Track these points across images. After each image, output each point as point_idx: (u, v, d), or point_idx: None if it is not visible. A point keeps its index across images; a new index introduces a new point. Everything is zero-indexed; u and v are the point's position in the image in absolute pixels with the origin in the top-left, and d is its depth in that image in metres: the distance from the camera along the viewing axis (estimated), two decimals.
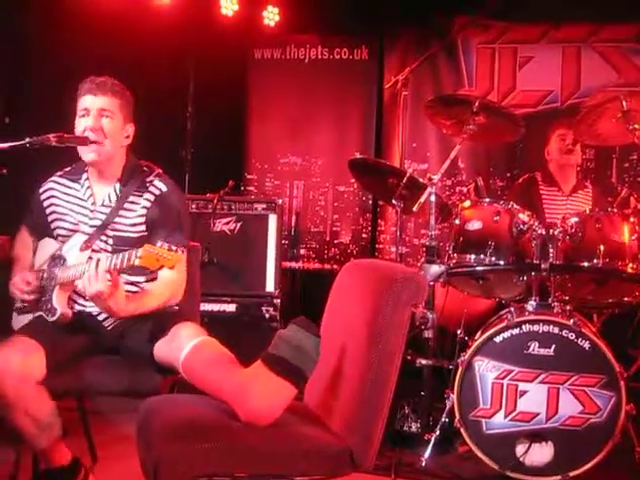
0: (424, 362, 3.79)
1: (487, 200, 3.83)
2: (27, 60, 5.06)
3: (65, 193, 3.11)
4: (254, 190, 6.44)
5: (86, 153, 2.96)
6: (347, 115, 6.34)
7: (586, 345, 3.32)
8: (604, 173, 5.75)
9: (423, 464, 3.50)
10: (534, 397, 3.35)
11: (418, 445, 3.64)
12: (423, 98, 4.59)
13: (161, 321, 2.86)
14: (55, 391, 2.66)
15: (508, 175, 5.96)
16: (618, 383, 3.28)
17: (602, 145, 4.88)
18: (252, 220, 5.00)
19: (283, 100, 6.42)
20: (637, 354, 4.10)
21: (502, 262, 3.63)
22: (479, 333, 3.57)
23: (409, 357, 3.78)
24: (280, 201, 5.09)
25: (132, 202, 3.01)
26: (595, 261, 3.52)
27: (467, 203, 3.84)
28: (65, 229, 3.05)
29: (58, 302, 2.87)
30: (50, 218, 3.11)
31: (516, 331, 3.39)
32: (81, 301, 2.98)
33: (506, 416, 3.37)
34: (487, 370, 3.39)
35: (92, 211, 3.03)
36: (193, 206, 4.92)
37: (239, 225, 4.98)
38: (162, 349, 2.75)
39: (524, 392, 3.36)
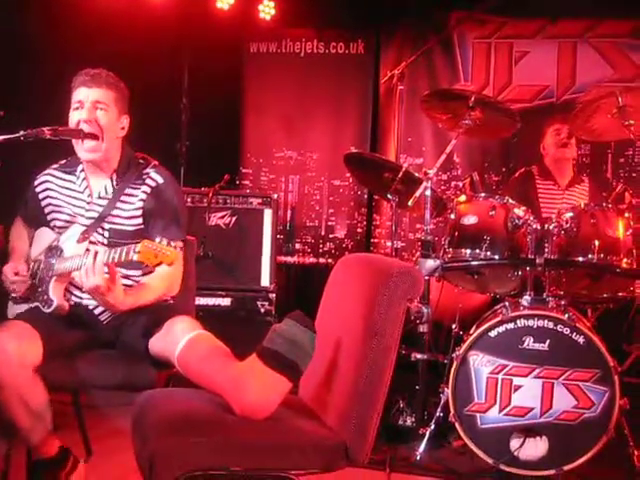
0: (419, 356, 3.79)
1: (482, 195, 3.83)
2: (22, 53, 5.04)
3: (61, 186, 3.10)
4: (249, 184, 6.44)
5: (83, 152, 2.96)
6: (343, 109, 6.34)
7: (580, 340, 3.33)
8: (599, 168, 5.77)
9: (418, 458, 3.51)
10: (528, 392, 3.36)
11: (413, 439, 3.65)
12: (419, 93, 4.58)
13: (156, 315, 2.85)
14: (50, 384, 2.66)
15: (503, 170, 5.97)
16: (612, 378, 3.28)
17: (597, 140, 4.89)
18: (247, 214, 5.00)
19: (278, 94, 6.41)
20: (631, 349, 4.12)
21: (497, 257, 3.64)
22: (474, 328, 3.57)
23: (404, 351, 3.78)
24: (275, 195, 5.10)
25: (129, 194, 3.00)
26: (590, 256, 3.53)
27: (462, 198, 3.84)
28: (62, 220, 3.05)
29: (54, 293, 2.86)
30: (46, 210, 3.10)
31: (511, 326, 3.39)
32: (77, 293, 2.98)
33: (500, 410, 3.37)
34: (482, 365, 3.40)
35: (88, 203, 3.02)
36: (188, 200, 4.92)
37: (234, 219, 4.98)
38: (157, 343, 2.74)
39: (519, 387, 3.37)
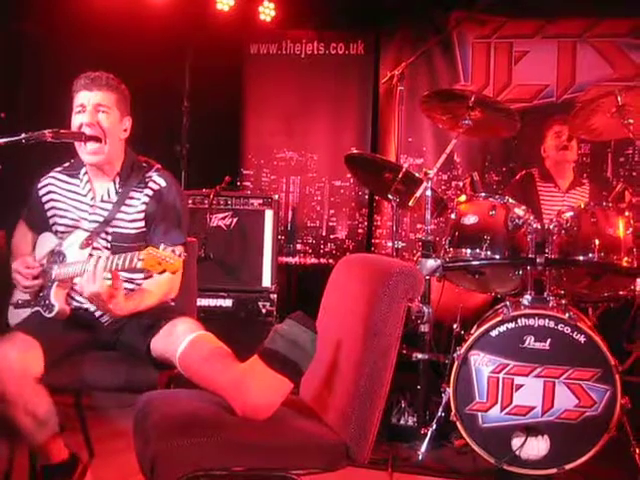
0: (420, 356, 3.80)
1: (483, 195, 3.84)
2: (23, 55, 5.05)
3: (64, 189, 3.10)
4: (250, 185, 6.43)
5: (85, 155, 2.96)
6: (343, 110, 6.34)
7: (581, 339, 3.33)
8: (599, 167, 5.76)
9: (419, 458, 3.51)
10: (530, 391, 3.36)
11: (414, 439, 3.66)
12: (419, 93, 4.57)
13: (157, 316, 2.86)
14: (52, 387, 2.66)
15: (504, 169, 5.97)
16: (613, 377, 3.29)
17: (597, 140, 4.89)
18: (248, 215, 5.00)
19: (279, 95, 6.41)
20: (632, 348, 4.11)
21: (498, 256, 3.64)
22: (475, 327, 3.58)
23: (405, 351, 3.79)
24: (276, 196, 5.09)
25: (132, 198, 3.01)
26: (590, 255, 3.53)
27: (463, 198, 3.85)
28: (64, 225, 3.05)
29: (56, 298, 2.87)
30: (49, 214, 3.10)
31: (512, 325, 3.40)
32: (79, 298, 2.98)
33: (502, 410, 3.38)
34: (483, 364, 3.40)
35: (92, 206, 3.03)
36: (189, 201, 4.92)
37: (235, 220, 4.99)
38: (159, 344, 2.75)
39: (520, 386, 3.37)
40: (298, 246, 6.38)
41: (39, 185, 3.16)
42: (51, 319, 2.86)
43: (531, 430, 3.34)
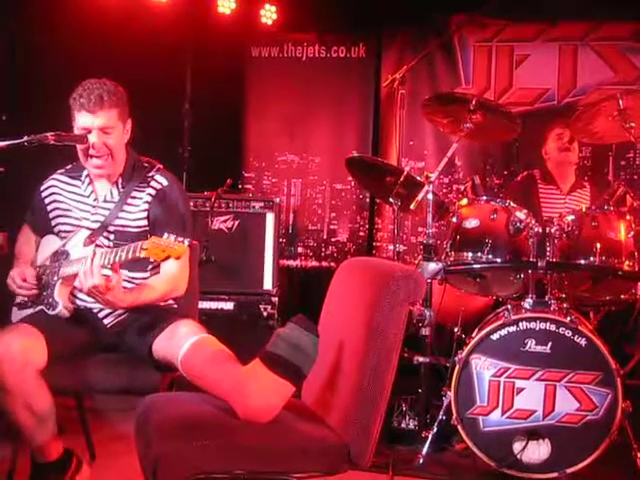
0: (421, 360, 3.80)
1: (484, 198, 3.84)
2: (23, 57, 5.05)
3: (67, 190, 3.12)
4: (252, 188, 6.43)
5: (91, 169, 2.98)
6: (344, 113, 6.34)
7: (582, 342, 3.33)
8: (601, 171, 5.76)
9: (420, 461, 3.51)
10: (531, 394, 3.36)
11: (415, 442, 3.66)
12: (420, 96, 4.58)
13: (160, 319, 2.87)
14: (54, 388, 2.67)
15: (505, 173, 5.98)
16: (614, 380, 3.29)
17: (598, 143, 4.89)
18: (250, 218, 5.00)
19: (280, 98, 6.41)
20: (633, 351, 4.11)
21: (499, 260, 3.64)
22: (476, 331, 3.57)
23: (406, 355, 3.79)
24: (278, 199, 5.09)
25: (134, 197, 3.02)
26: (591, 259, 3.53)
27: (464, 201, 3.85)
28: (68, 225, 3.06)
29: (59, 296, 2.88)
30: (52, 215, 3.12)
31: (513, 329, 3.40)
32: (82, 297, 2.99)
33: (503, 413, 3.38)
34: (484, 368, 3.40)
35: (94, 207, 3.04)
36: (191, 204, 4.90)
37: (237, 223, 4.99)
38: (161, 347, 2.75)
39: (521, 389, 3.37)
40: (299, 249, 6.38)
41: (42, 188, 3.17)
42: (55, 317, 2.86)
43: (532, 434, 3.33)
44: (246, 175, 6.48)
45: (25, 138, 2.71)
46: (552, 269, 3.61)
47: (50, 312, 2.87)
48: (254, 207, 5.02)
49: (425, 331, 3.78)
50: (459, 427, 3.40)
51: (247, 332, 4.71)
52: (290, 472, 2.19)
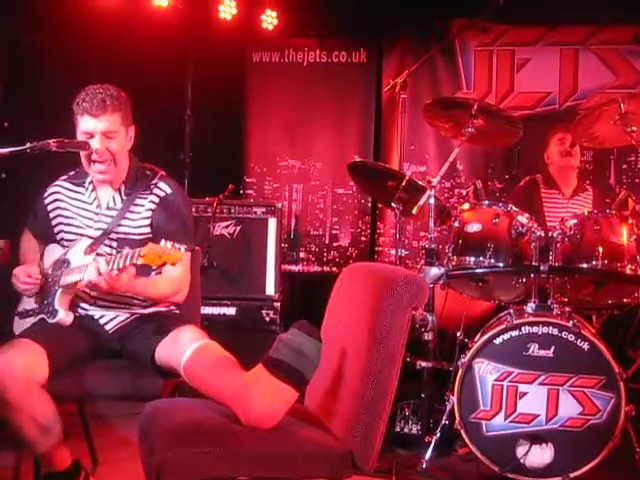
0: (424, 364, 3.80)
1: (486, 202, 3.84)
2: (25, 63, 5.06)
3: (70, 197, 3.12)
4: (253, 194, 6.43)
5: (94, 174, 2.99)
6: (346, 118, 6.34)
7: (585, 346, 3.33)
8: (602, 175, 5.77)
9: (424, 466, 3.51)
10: (534, 399, 3.36)
11: (418, 447, 3.66)
12: (421, 101, 4.60)
13: (162, 325, 2.87)
14: (57, 395, 2.67)
15: (507, 177, 5.97)
16: (617, 384, 3.28)
17: (600, 147, 4.89)
18: (252, 223, 5.00)
19: (282, 103, 6.42)
20: (636, 355, 4.11)
21: (501, 264, 3.64)
22: (479, 335, 3.57)
23: (409, 359, 3.78)
24: (279, 205, 5.09)
25: (137, 205, 3.02)
26: (594, 263, 3.53)
27: (466, 205, 3.85)
28: (70, 233, 3.06)
29: (60, 304, 2.88)
30: (54, 222, 3.12)
31: (515, 333, 3.40)
32: (84, 306, 3.00)
33: (506, 418, 3.37)
34: (487, 372, 3.40)
35: (97, 214, 3.04)
36: (193, 210, 4.92)
37: (239, 229, 4.99)
38: (163, 352, 2.75)
39: (524, 394, 3.37)
40: (301, 254, 6.38)
41: (45, 194, 3.17)
42: (56, 326, 2.86)
43: (535, 438, 3.33)
44: (248, 180, 6.47)
45: (27, 145, 2.71)
46: (554, 273, 3.61)
47: (50, 320, 2.87)
48: (256, 212, 5.02)
49: (428, 336, 3.78)
50: (462, 431, 3.39)
51: (249, 337, 4.70)
52: (293, 478, 2.19)
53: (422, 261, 3.86)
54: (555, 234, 3.66)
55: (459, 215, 3.81)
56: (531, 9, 5.72)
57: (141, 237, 2.98)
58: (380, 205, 6.06)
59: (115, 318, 2.99)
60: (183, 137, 5.97)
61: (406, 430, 3.81)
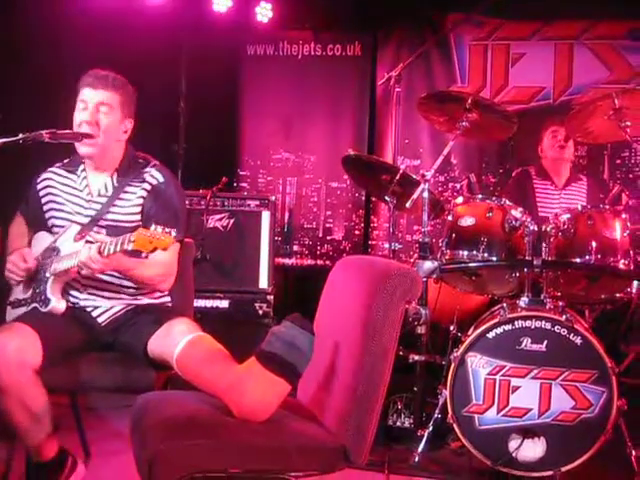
0: (417, 358, 3.80)
1: (480, 196, 3.84)
2: (19, 56, 5.03)
3: (62, 184, 3.11)
4: (247, 186, 6.43)
5: (80, 147, 2.97)
6: (340, 111, 6.34)
7: (578, 341, 3.34)
8: (596, 169, 5.77)
9: (416, 460, 3.51)
10: (526, 393, 3.36)
11: (411, 441, 3.66)
12: (416, 94, 4.58)
13: (155, 317, 2.86)
14: (49, 387, 2.66)
15: (501, 171, 5.98)
16: (610, 378, 3.29)
17: (594, 142, 4.89)
18: (245, 216, 5.00)
19: (276, 96, 6.41)
20: (628, 350, 4.12)
21: (495, 258, 3.64)
22: (472, 329, 3.58)
23: (402, 353, 3.79)
24: (273, 198, 5.09)
25: (128, 192, 3.02)
26: (587, 257, 3.53)
27: (460, 199, 3.85)
28: (60, 219, 3.05)
29: (52, 292, 2.88)
30: (45, 208, 3.11)
31: (508, 327, 3.40)
32: (75, 294, 3.00)
33: (499, 412, 3.38)
34: (480, 366, 3.40)
35: (87, 201, 3.03)
36: (186, 202, 4.91)
37: (232, 221, 4.98)
38: (156, 345, 2.75)
39: (516, 388, 3.37)
40: (295, 247, 6.38)
41: (38, 180, 3.17)
42: (48, 315, 2.86)
43: (528, 432, 3.34)
44: (241, 173, 6.47)
45: (20, 136, 2.70)
46: (548, 267, 3.62)
47: (43, 309, 2.87)
48: (249, 205, 5.02)
49: (421, 329, 3.78)
50: (455, 425, 3.40)
51: (242, 330, 4.70)
52: (286, 470, 2.19)
53: (416, 255, 3.87)
54: (549, 228, 3.66)
55: (453, 209, 3.81)
56: (526, 4, 5.72)
57: (131, 224, 2.97)
58: (374, 199, 6.07)
59: (108, 310, 2.99)
60: (177, 129, 5.95)
61: (399, 424, 3.82)
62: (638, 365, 4.10)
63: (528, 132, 4.92)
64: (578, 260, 3.56)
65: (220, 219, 4.97)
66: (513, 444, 3.34)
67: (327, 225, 6.38)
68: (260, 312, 4.85)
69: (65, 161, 3.19)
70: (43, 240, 3.06)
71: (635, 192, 3.90)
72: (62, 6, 5.07)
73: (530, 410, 3.36)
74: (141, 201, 3.01)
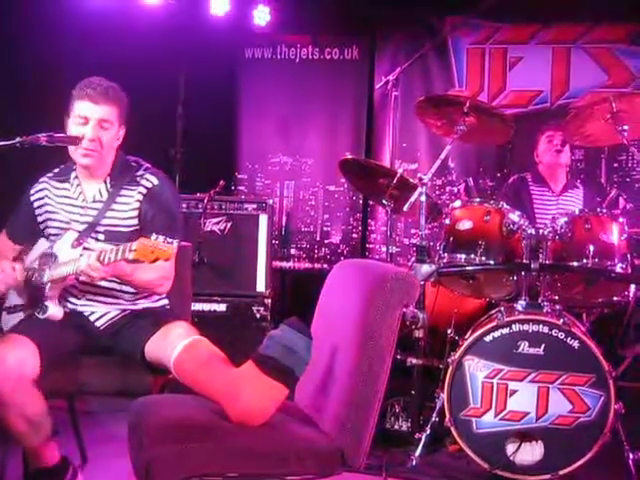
0: (414, 361, 3.80)
1: (477, 200, 3.84)
2: (14, 59, 5.03)
3: (57, 194, 3.09)
4: (244, 190, 6.43)
5: (80, 158, 2.95)
6: (338, 115, 6.34)
7: (575, 344, 3.34)
8: (593, 173, 5.78)
9: (414, 463, 3.51)
10: (524, 396, 3.37)
11: (409, 444, 3.65)
12: (413, 98, 4.58)
13: (152, 321, 2.86)
14: (46, 391, 2.66)
15: (498, 175, 5.98)
16: (607, 382, 3.29)
17: (591, 146, 4.90)
18: (243, 220, 5.00)
19: (274, 100, 6.41)
20: (626, 353, 4.12)
21: (492, 262, 3.64)
22: (469, 332, 3.58)
23: (399, 356, 3.78)
24: (271, 201, 5.09)
25: (124, 196, 3.01)
26: (584, 261, 3.53)
27: (457, 203, 3.85)
28: (56, 228, 3.05)
29: (49, 299, 2.87)
30: (40, 219, 3.10)
31: (506, 330, 3.40)
32: (72, 300, 2.99)
33: (496, 415, 3.38)
34: (477, 369, 3.40)
35: (83, 208, 3.02)
36: (184, 206, 4.92)
37: (230, 225, 4.98)
38: (153, 349, 2.75)
39: (514, 391, 3.37)
40: (292, 251, 6.38)
41: (32, 191, 3.14)
42: (46, 321, 2.85)
43: (525, 436, 3.33)
44: (239, 177, 6.48)
45: (17, 139, 2.69)
46: (545, 271, 3.62)
47: (41, 316, 2.86)
48: (247, 209, 5.02)
49: (418, 333, 3.78)
50: (452, 429, 3.40)
51: (240, 334, 4.70)
52: (283, 475, 2.19)
53: (413, 258, 3.86)
54: (546, 232, 3.66)
55: (450, 212, 3.81)
56: (524, 8, 5.73)
57: (129, 229, 2.97)
58: (371, 202, 6.07)
59: (105, 315, 2.98)
60: (175, 133, 5.95)
61: (396, 427, 3.81)
62: (635, 368, 4.09)
63: (526, 136, 4.94)
64: (575, 264, 3.55)
65: (217, 222, 4.97)
66: (511, 448, 3.34)
67: (325, 228, 6.38)
68: (258, 315, 4.85)
69: (55, 171, 3.16)
70: (39, 246, 3.06)
71: (632, 195, 3.89)
72: (59, 9, 5.06)
73: (528, 414, 3.36)
74: (138, 205, 3.00)
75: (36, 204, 3.11)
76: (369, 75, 6.26)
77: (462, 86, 6.08)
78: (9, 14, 4.90)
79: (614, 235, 3.57)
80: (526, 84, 5.99)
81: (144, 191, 3.01)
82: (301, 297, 6.01)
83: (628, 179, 5.75)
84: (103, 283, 2.90)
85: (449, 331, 3.83)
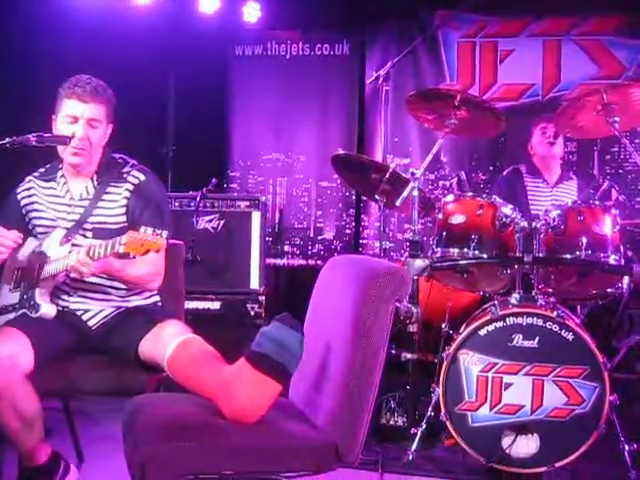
0: (409, 356, 3.80)
1: (470, 194, 3.84)
2: (3, 59, 5.01)
3: (43, 193, 3.09)
4: (237, 187, 6.43)
5: (70, 157, 2.95)
6: (329, 111, 6.34)
7: (570, 337, 3.34)
8: (586, 165, 5.79)
9: (410, 458, 3.50)
10: (519, 389, 3.36)
11: (404, 439, 3.65)
12: (404, 93, 4.58)
13: (146, 320, 2.86)
14: (40, 390, 2.66)
15: (491, 169, 5.99)
16: (602, 374, 3.29)
17: (583, 137, 4.91)
18: (235, 217, 5.00)
19: (265, 97, 6.41)
20: (620, 345, 4.12)
21: (485, 255, 3.64)
22: (463, 326, 3.57)
23: (394, 351, 3.79)
24: (263, 198, 5.09)
25: (111, 193, 3.01)
26: (578, 253, 3.53)
27: (450, 197, 3.84)
28: (44, 226, 3.04)
29: (41, 298, 2.86)
30: (28, 217, 3.09)
31: (500, 324, 3.40)
32: (64, 297, 2.99)
33: (491, 409, 3.38)
34: (472, 363, 3.40)
35: (70, 206, 3.02)
36: (176, 204, 4.92)
37: (222, 222, 4.98)
38: (147, 348, 2.74)
39: (509, 384, 3.37)
40: (286, 247, 6.38)
41: (19, 190, 3.14)
42: (39, 320, 2.84)
43: (521, 429, 3.34)
44: (231, 174, 6.47)
45: (7, 140, 2.68)
46: (538, 264, 3.62)
47: (33, 314, 2.85)
48: (239, 206, 5.01)
49: (412, 328, 3.78)
50: (448, 423, 3.40)
51: (234, 332, 4.69)
52: (279, 471, 2.18)
53: (406, 253, 3.86)
54: (539, 225, 3.66)
55: (443, 207, 3.80)
56: (514, 1, 5.73)
57: (117, 226, 2.97)
58: (364, 198, 6.07)
59: (98, 314, 2.98)
60: (166, 131, 5.95)
61: (392, 422, 3.81)
62: (630, 360, 4.11)
63: (518, 129, 4.94)
64: (569, 256, 3.55)
65: (210, 220, 4.97)
66: (506, 441, 3.34)
67: (318, 225, 6.38)
68: (252, 313, 4.85)
69: (41, 170, 3.17)
70: (28, 245, 3.05)
71: (625, 187, 3.90)
72: (46, 7, 5.04)
73: (523, 407, 3.36)
74: (125, 202, 3.00)
75: (23, 202, 3.11)
76: (360, 70, 6.26)
77: (453, 80, 6.09)
78: None
79: (607, 227, 3.57)
80: (517, 77, 5.99)
81: (131, 187, 3.01)
82: (295, 294, 6.00)
83: (621, 171, 5.76)
84: (94, 279, 2.89)
85: (443, 325, 3.83)
